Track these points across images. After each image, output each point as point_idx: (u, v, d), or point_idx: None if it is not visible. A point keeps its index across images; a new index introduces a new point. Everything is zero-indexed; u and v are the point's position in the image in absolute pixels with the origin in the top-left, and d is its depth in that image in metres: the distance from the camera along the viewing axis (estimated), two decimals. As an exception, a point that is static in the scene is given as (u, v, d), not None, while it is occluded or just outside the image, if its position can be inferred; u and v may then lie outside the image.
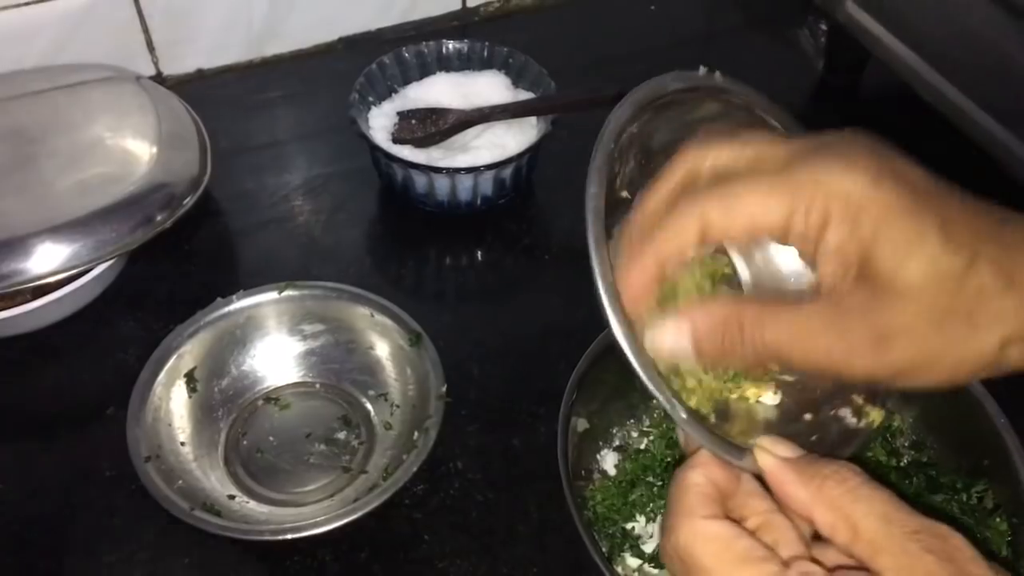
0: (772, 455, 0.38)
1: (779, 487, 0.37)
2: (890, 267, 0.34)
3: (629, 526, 0.57)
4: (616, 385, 0.60)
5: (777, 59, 0.95)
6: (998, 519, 0.54)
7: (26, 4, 0.80)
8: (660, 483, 0.57)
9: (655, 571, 0.56)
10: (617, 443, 0.61)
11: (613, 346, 0.55)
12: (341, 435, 0.63)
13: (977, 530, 0.54)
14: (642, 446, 0.60)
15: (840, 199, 0.34)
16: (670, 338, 0.39)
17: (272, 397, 0.65)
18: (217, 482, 0.60)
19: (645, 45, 0.94)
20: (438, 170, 0.72)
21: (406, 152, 0.74)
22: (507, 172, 0.74)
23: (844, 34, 0.86)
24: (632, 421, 0.62)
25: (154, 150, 0.70)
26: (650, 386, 0.38)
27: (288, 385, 0.66)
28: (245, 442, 0.63)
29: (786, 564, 0.35)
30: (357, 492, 0.59)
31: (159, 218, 0.66)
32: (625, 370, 0.58)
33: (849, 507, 0.35)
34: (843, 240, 0.35)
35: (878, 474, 0.56)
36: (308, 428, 0.63)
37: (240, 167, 0.82)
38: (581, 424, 0.58)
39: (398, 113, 0.78)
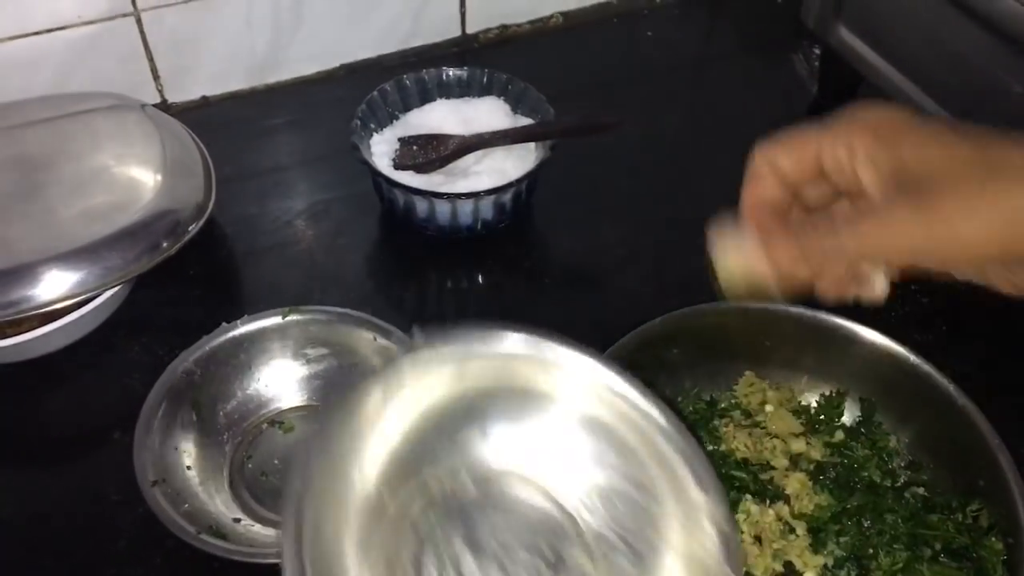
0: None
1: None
2: (919, 158, 0.41)
3: None
4: None
5: (771, 82, 0.97)
6: (993, 538, 0.55)
7: (35, 33, 0.81)
8: None
9: None
10: None
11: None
12: (344, 458, 0.64)
13: (973, 549, 0.55)
14: None
15: (858, 126, 0.44)
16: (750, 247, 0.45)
17: (277, 420, 0.66)
18: (223, 505, 0.60)
19: (642, 70, 0.96)
20: (439, 195, 0.73)
21: (407, 178, 0.75)
22: (507, 197, 0.75)
23: (837, 58, 0.87)
24: None
25: (159, 177, 0.71)
26: None
27: (292, 408, 0.67)
28: (250, 465, 0.64)
29: None
30: (361, 515, 0.60)
31: (164, 245, 0.67)
32: None
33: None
34: (871, 149, 0.43)
35: (874, 495, 0.57)
36: (312, 451, 0.64)
37: (244, 192, 0.83)
38: None
39: (399, 139, 0.79)
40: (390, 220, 0.80)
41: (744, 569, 0.54)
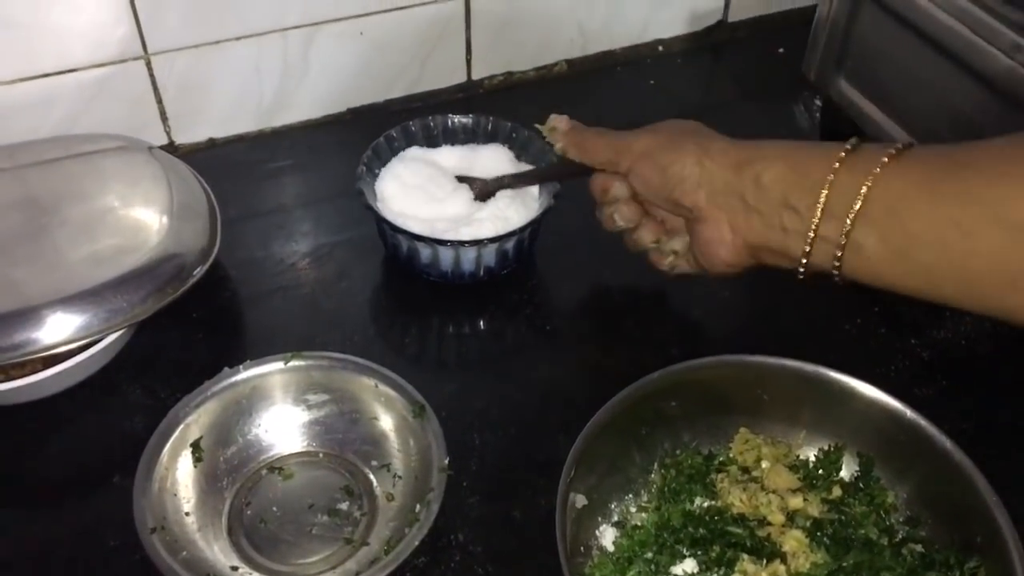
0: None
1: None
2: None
3: None
4: (613, 459, 0.62)
5: (772, 132, 0.96)
6: None
7: (44, 76, 0.82)
8: (655, 557, 0.58)
9: None
10: (615, 518, 0.62)
11: (611, 421, 0.58)
12: (344, 505, 0.64)
13: None
14: (639, 522, 0.61)
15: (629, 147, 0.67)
16: None
17: (276, 466, 0.66)
18: (220, 553, 0.60)
19: (644, 118, 0.96)
20: (443, 242, 0.74)
21: (411, 224, 0.76)
22: (510, 244, 0.76)
23: (837, 110, 0.89)
24: (630, 496, 0.63)
25: (165, 220, 0.71)
26: None
27: (292, 454, 0.67)
28: (249, 512, 0.63)
29: None
30: (359, 565, 0.60)
31: (169, 289, 0.68)
32: (623, 444, 0.59)
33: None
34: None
35: (870, 553, 0.57)
36: (311, 498, 0.64)
37: (249, 234, 0.84)
38: (580, 500, 0.59)
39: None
40: (393, 265, 0.81)
41: None
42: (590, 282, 0.81)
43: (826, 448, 0.63)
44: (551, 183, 0.78)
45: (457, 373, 0.76)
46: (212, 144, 0.92)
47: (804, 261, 0.56)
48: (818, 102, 0.97)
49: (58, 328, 0.64)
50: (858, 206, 0.52)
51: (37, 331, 0.64)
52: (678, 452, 0.64)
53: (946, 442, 0.58)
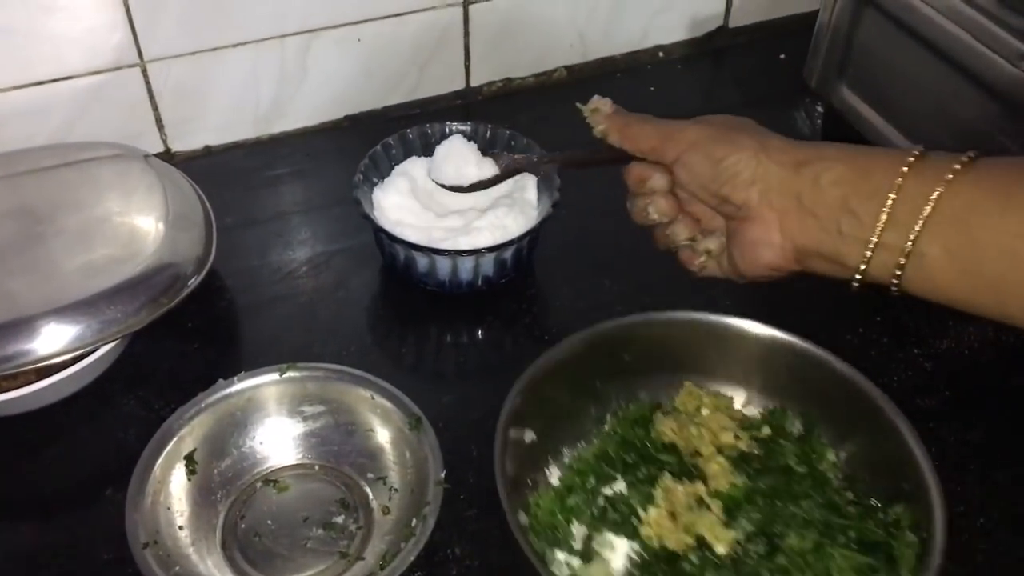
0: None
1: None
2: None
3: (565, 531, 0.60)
4: (567, 406, 0.64)
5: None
6: (910, 533, 0.56)
7: (39, 83, 0.82)
8: (593, 486, 0.61)
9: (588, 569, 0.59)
10: (566, 460, 0.64)
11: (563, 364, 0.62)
12: (339, 519, 0.63)
13: (887, 544, 0.56)
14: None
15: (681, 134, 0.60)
16: None
17: (271, 479, 0.65)
18: (214, 567, 0.59)
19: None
20: (440, 252, 0.73)
21: (409, 233, 0.75)
22: (508, 253, 0.75)
23: (839, 117, 0.88)
24: (583, 443, 0.65)
25: (160, 230, 0.71)
26: None
27: (287, 467, 0.66)
28: (243, 525, 0.63)
29: None
30: (354, 580, 0.59)
31: (164, 299, 0.67)
32: (577, 393, 0.64)
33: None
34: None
35: (788, 477, 0.60)
36: (306, 512, 0.63)
37: (245, 243, 0.83)
38: (528, 435, 0.61)
39: None
40: (391, 274, 0.80)
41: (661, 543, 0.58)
42: (589, 292, 0.80)
43: (771, 407, 0.65)
44: (550, 188, 0.77)
45: (455, 384, 0.75)
46: (209, 152, 0.92)
47: (862, 268, 0.53)
48: (820, 108, 0.97)
49: (52, 339, 0.64)
50: (927, 212, 0.50)
51: (31, 342, 0.63)
52: (630, 406, 0.66)
53: (881, 398, 0.59)
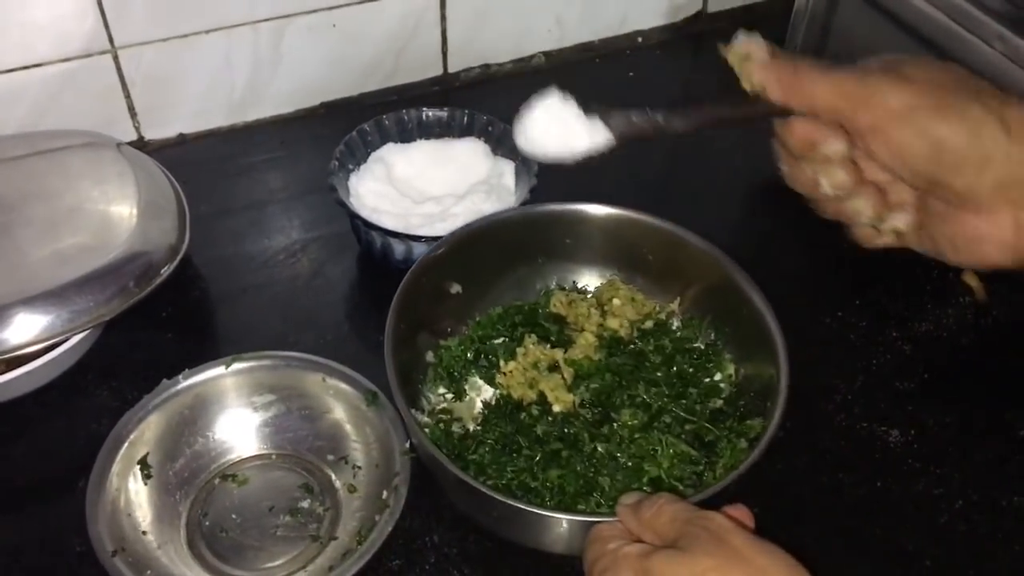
0: None
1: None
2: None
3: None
4: (499, 270, 0.70)
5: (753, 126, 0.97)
6: (743, 441, 0.60)
7: (8, 71, 0.80)
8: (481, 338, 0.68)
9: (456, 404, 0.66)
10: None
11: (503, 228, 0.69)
12: (305, 504, 0.63)
13: (722, 446, 0.60)
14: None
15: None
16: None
17: (229, 473, 0.64)
18: (185, 567, 0.59)
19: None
20: (417, 238, 0.72)
21: (385, 220, 0.74)
22: (486, 239, 0.75)
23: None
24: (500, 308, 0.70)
25: (133, 219, 0.70)
26: None
27: (245, 459, 0.65)
28: (207, 523, 0.62)
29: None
30: (330, 560, 0.59)
31: (136, 288, 0.66)
32: (510, 258, 0.71)
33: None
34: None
35: (637, 361, 0.65)
36: (270, 501, 0.63)
37: (220, 232, 0.82)
38: (455, 287, 0.68)
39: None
40: (368, 261, 0.79)
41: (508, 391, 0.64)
42: (568, 277, 0.79)
43: (690, 316, 0.69)
44: (527, 173, 0.77)
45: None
46: (182, 139, 0.91)
47: None
48: (798, 93, 0.96)
49: (22, 329, 0.63)
50: None
51: (0, 332, 0.62)
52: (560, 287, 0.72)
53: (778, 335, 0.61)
